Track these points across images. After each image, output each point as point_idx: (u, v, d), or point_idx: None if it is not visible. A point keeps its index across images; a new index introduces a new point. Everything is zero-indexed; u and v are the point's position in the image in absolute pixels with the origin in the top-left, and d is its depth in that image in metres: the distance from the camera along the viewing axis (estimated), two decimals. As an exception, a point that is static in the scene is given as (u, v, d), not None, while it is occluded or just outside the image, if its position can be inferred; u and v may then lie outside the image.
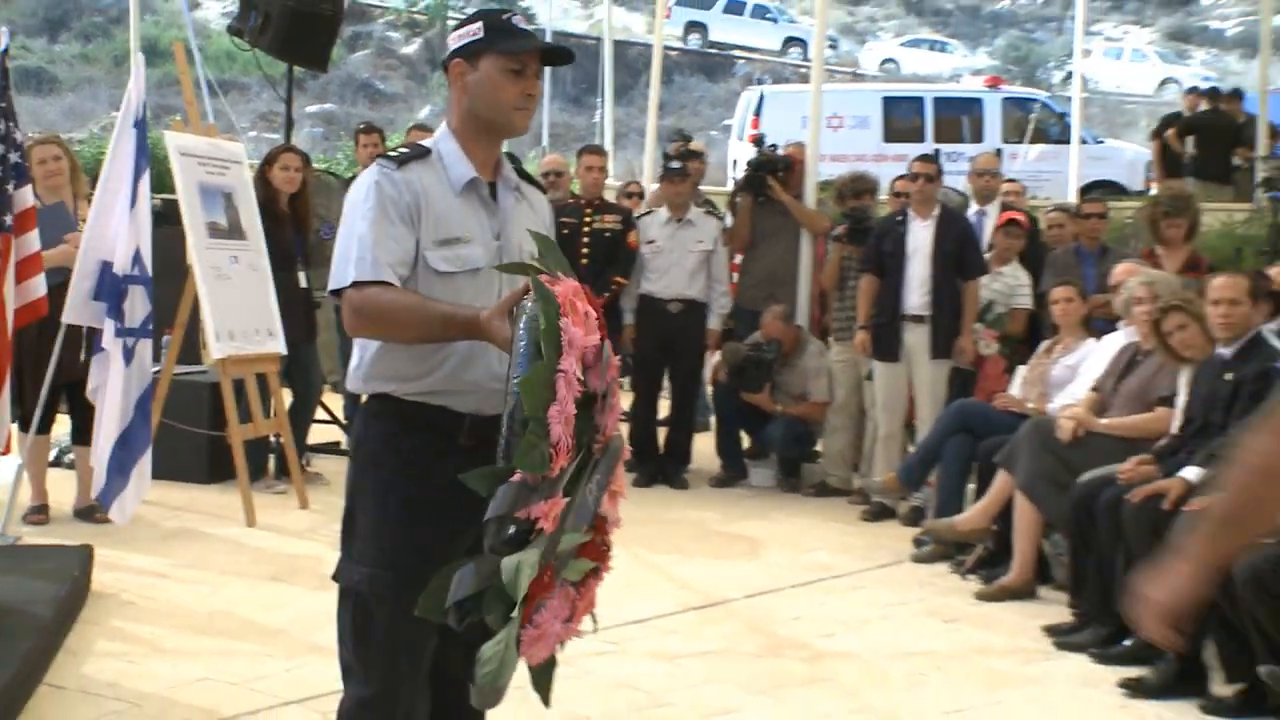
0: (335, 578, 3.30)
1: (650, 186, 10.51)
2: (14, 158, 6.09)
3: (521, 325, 2.77)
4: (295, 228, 8.10)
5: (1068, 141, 16.39)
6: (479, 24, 3.21)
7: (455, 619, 2.76)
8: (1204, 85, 19.32)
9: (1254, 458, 2.34)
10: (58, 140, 7.50)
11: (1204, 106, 15.79)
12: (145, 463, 6.39)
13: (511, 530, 2.71)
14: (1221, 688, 5.03)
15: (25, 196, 6.13)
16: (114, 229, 6.51)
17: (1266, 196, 11.14)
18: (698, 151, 9.92)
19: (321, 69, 10.36)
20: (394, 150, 3.30)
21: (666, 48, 16.04)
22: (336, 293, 3.13)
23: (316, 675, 4.96)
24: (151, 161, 6.84)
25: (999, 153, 13.95)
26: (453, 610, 2.75)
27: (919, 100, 20.44)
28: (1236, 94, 15.97)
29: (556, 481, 2.74)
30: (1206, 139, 14.91)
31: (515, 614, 2.70)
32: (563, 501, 2.75)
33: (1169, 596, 2.37)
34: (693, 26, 36.02)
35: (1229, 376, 5.76)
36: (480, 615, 2.73)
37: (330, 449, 9.08)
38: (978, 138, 19.34)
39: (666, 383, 9.14)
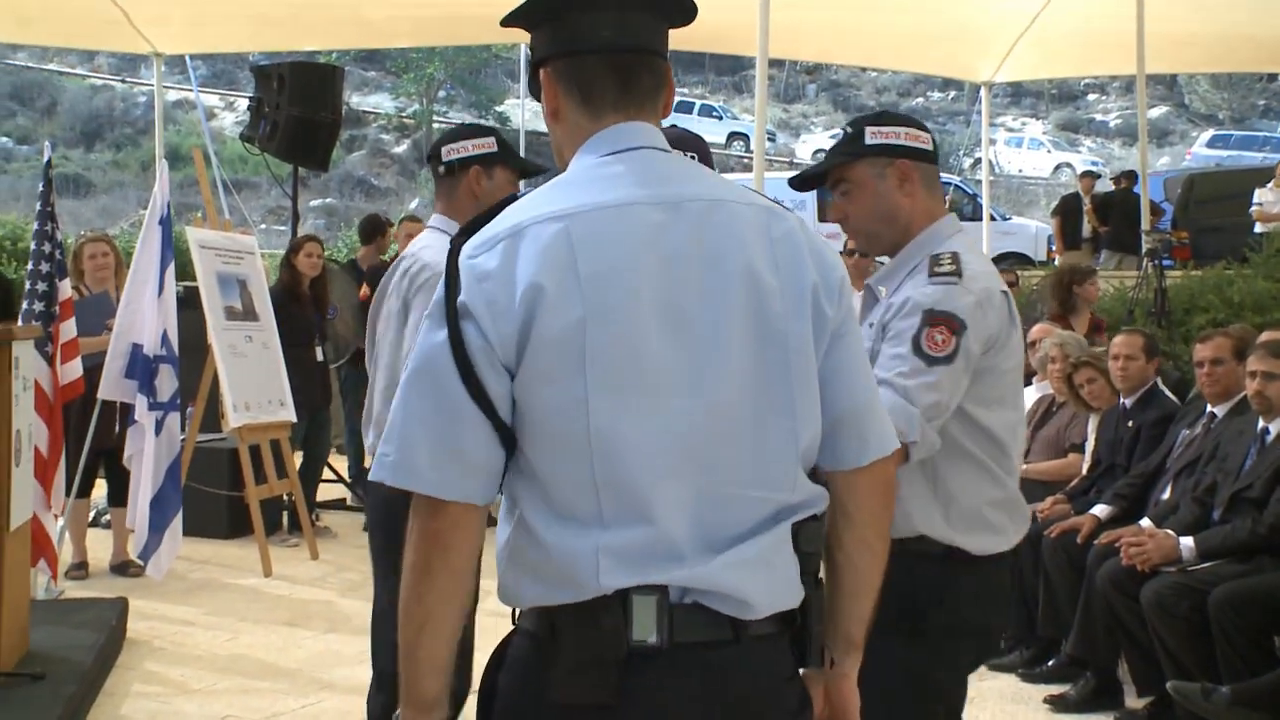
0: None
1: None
2: (58, 255, 6.10)
3: None
4: (315, 307, 8.10)
5: (979, 219, 16.51)
6: (491, 138, 3.30)
7: None
8: (1096, 169, 19.58)
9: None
10: (107, 238, 7.50)
11: (1113, 187, 16.02)
12: (177, 523, 6.34)
13: None
14: (1134, 701, 5.00)
15: (65, 288, 6.13)
16: (143, 314, 6.49)
17: (1151, 265, 11.23)
18: None
19: (323, 168, 10.36)
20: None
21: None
22: None
23: (329, 710, 4.89)
24: (175, 253, 6.82)
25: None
26: None
27: (848, 185, 20.53)
28: (1126, 175, 16.20)
29: None
30: (1118, 215, 15.07)
31: None
32: None
33: None
34: (648, 125, 36.20)
35: (1130, 423, 5.79)
36: None
37: (337, 505, 8.98)
38: (900, 217, 19.42)
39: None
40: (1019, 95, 41.21)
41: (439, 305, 1.76)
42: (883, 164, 2.68)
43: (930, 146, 2.73)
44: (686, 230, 1.80)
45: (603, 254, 1.75)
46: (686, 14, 1.93)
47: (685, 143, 2.99)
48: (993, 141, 25.30)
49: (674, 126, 3.24)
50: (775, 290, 1.82)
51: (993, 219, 16.20)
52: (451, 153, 3.38)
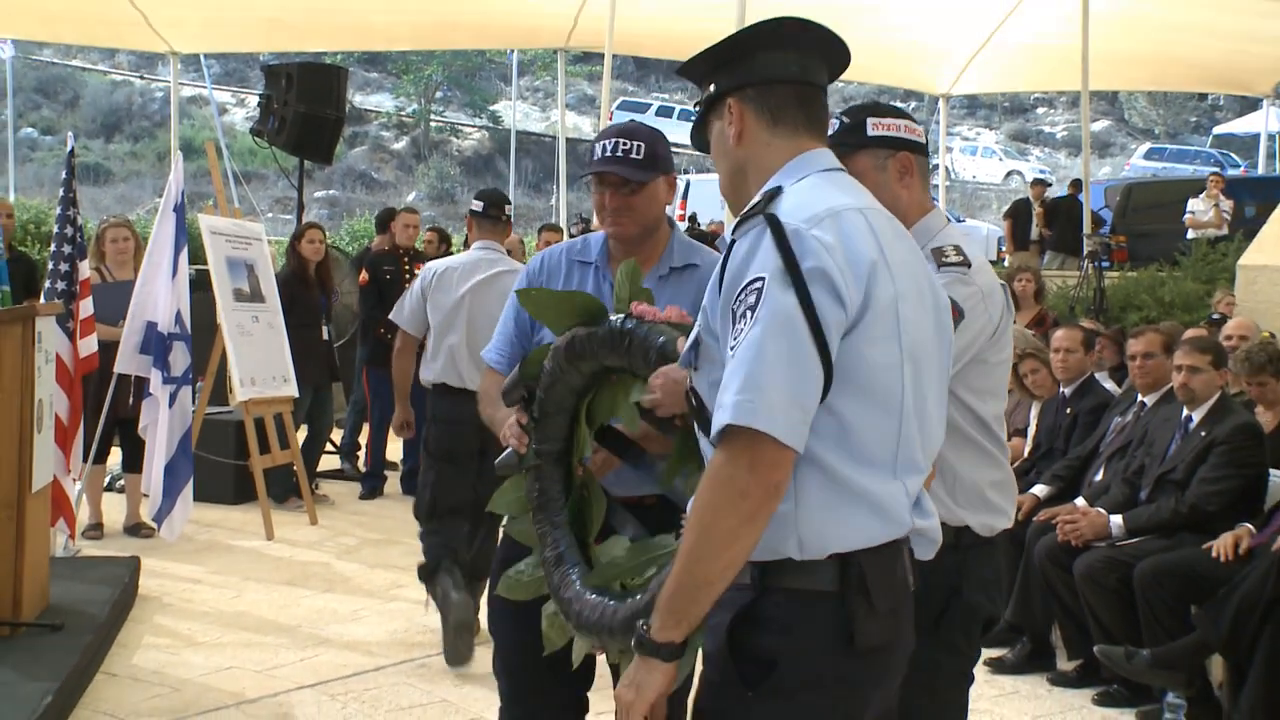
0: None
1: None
2: (78, 238, 6.09)
3: None
4: (320, 290, 8.08)
5: (935, 221, 16.54)
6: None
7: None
8: (1046, 178, 19.64)
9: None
10: (128, 224, 7.46)
11: (1062, 194, 16.09)
12: (189, 490, 6.33)
13: None
14: (1065, 664, 5.07)
15: (84, 269, 6.11)
16: (158, 295, 6.46)
17: (1091, 266, 11.31)
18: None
19: (327, 162, 10.35)
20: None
21: (610, 145, 16.27)
22: None
23: (325, 663, 4.92)
24: (188, 239, 6.80)
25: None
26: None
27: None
28: (1075, 184, 16.27)
29: None
30: (1064, 220, 15.10)
31: None
32: None
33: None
34: (631, 127, 36.07)
35: (1068, 410, 5.84)
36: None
37: (335, 475, 8.97)
38: (863, 218, 19.45)
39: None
40: (974, 107, 41.26)
41: (782, 270, 1.76)
42: (884, 155, 2.53)
43: (924, 140, 2.60)
44: (903, 237, 1.98)
45: (889, 244, 1.89)
46: (844, 65, 2.09)
47: (638, 134, 2.92)
48: (949, 149, 25.40)
49: (632, 120, 3.19)
50: (944, 307, 2.04)
51: (948, 220, 16.22)
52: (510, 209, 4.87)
